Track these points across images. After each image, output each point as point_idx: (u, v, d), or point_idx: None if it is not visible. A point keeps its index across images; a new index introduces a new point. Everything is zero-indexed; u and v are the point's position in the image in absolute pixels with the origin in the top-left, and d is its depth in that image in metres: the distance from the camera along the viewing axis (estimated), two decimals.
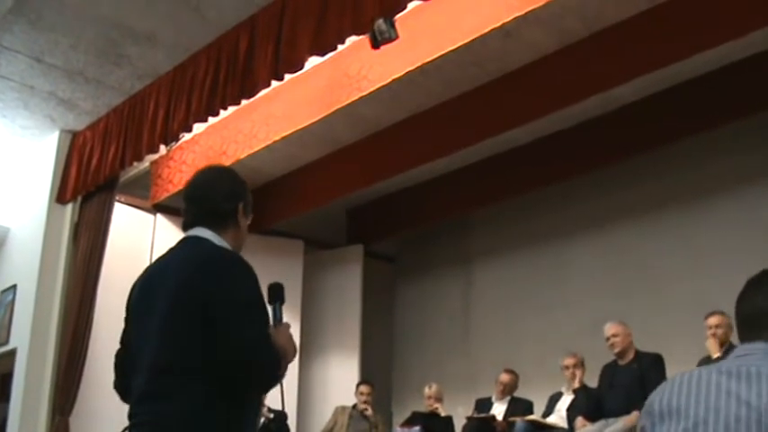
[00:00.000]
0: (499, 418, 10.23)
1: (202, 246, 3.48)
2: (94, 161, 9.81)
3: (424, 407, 11.28)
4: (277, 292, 3.63)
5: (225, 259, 3.40)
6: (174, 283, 3.35)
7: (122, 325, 3.62)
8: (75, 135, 10.40)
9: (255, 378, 3.23)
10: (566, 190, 11.49)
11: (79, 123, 10.21)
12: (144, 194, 11.33)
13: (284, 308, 3.61)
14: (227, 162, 10.08)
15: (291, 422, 11.29)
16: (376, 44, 7.01)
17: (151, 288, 3.47)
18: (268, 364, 3.23)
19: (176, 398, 3.21)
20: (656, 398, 2.41)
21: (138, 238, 11.20)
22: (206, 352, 3.18)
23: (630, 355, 9.11)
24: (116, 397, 3.36)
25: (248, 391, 3.30)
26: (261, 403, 3.48)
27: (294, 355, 3.46)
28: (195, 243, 3.51)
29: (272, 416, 10.77)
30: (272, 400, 7.94)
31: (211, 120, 8.88)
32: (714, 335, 8.37)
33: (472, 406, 10.82)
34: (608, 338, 9.19)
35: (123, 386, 3.58)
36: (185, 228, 3.62)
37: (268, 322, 3.34)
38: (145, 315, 3.43)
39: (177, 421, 3.20)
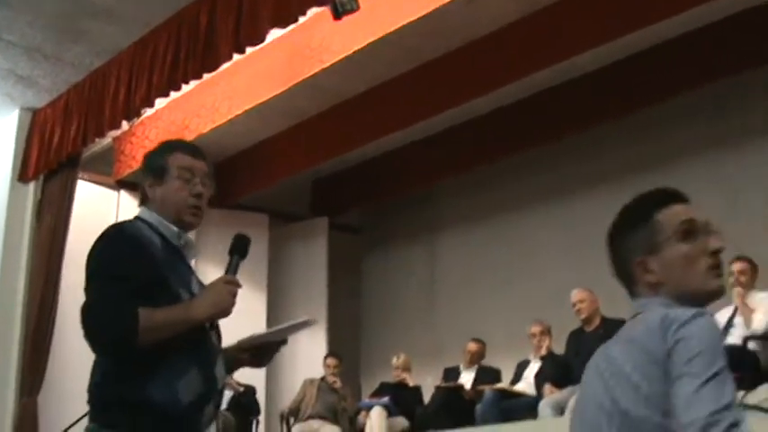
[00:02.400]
0: (467, 386, 10.27)
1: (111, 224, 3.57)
2: (56, 139, 9.74)
3: (392, 377, 11.30)
4: (237, 245, 3.53)
5: (103, 232, 3.42)
6: None
7: None
8: (35, 113, 10.31)
9: (92, 344, 3.18)
10: (530, 159, 11.50)
11: (39, 101, 10.12)
12: (107, 171, 11.26)
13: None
14: (189, 136, 10.01)
15: (260, 396, 11.32)
16: (337, 15, 7.00)
17: None
18: (95, 329, 3.17)
19: (93, 372, 3.30)
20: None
21: (102, 215, 11.11)
22: None
23: (597, 322, 9.17)
24: (84, 375, 3.35)
25: (101, 355, 3.25)
26: (199, 364, 3.25)
27: (218, 310, 3.32)
28: None
29: (241, 389, 10.79)
30: (241, 374, 7.97)
31: (173, 94, 8.83)
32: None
33: (440, 375, 10.86)
34: (574, 305, 9.26)
35: None
36: None
37: (109, 286, 3.23)
38: None
39: (90, 395, 3.27)
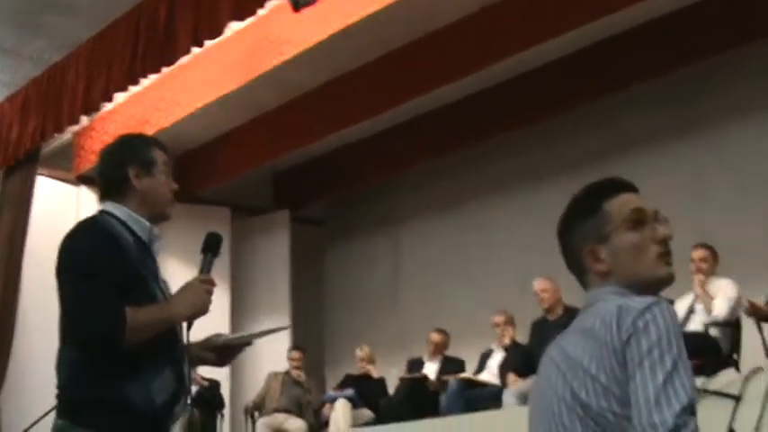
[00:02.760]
0: (432, 377, 10.29)
1: (84, 219, 3.51)
2: (14, 134, 9.67)
3: (356, 369, 11.31)
4: (210, 243, 3.56)
5: (75, 228, 3.42)
6: None
7: (49, 299, 3.60)
8: None
9: (77, 342, 3.19)
10: (491, 149, 11.52)
11: None
12: (67, 166, 11.19)
13: (213, 275, 3.53)
14: (149, 131, 9.97)
15: (224, 390, 11.29)
16: (297, 7, 7.00)
17: None
18: (84, 328, 3.15)
19: (61, 370, 3.26)
20: None
21: (63, 211, 11.06)
22: (62, 320, 3.24)
23: (560, 311, 9.21)
24: (47, 373, 3.35)
25: (84, 354, 3.20)
26: (172, 364, 3.29)
27: (197, 310, 3.35)
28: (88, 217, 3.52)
29: (206, 384, 10.76)
30: (205, 368, 7.94)
31: (133, 89, 8.79)
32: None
33: (404, 366, 10.87)
34: (537, 294, 9.29)
35: None
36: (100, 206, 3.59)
37: (93, 283, 3.19)
38: None
39: (60, 393, 3.26)
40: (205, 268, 3.49)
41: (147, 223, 3.45)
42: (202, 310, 3.36)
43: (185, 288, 3.38)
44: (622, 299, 2.25)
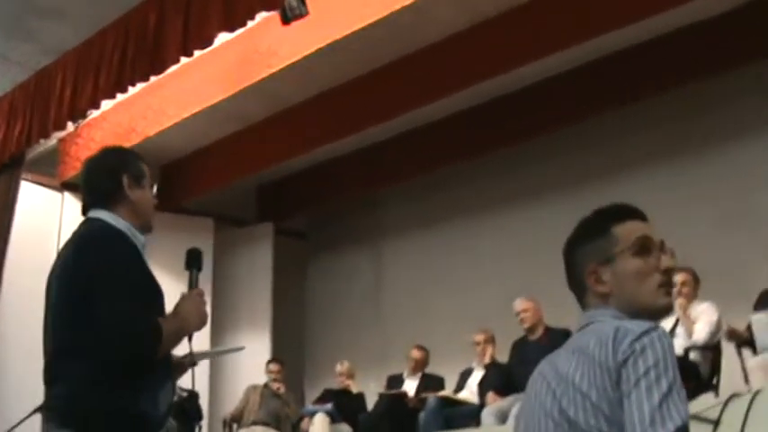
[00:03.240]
0: (411, 394, 10.28)
1: (86, 226, 3.52)
2: None
3: (336, 384, 11.30)
4: (193, 258, 3.67)
5: (94, 234, 3.43)
6: (60, 267, 3.41)
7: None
8: None
9: (117, 350, 3.18)
10: (475, 167, 11.55)
11: None
12: (51, 172, 11.17)
13: None
14: (135, 139, 9.99)
15: (203, 401, 11.21)
16: (286, 20, 7.00)
17: (50, 277, 3.49)
18: (126, 341, 3.18)
19: (67, 380, 3.24)
20: None
21: (46, 217, 11.04)
22: (84, 330, 3.21)
23: (540, 331, 9.23)
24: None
25: (121, 364, 3.21)
26: (170, 379, 3.42)
27: (201, 323, 3.48)
28: (82, 225, 3.54)
29: (184, 394, 10.72)
30: (183, 379, 7.91)
31: (120, 96, 8.76)
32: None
33: (384, 382, 10.86)
34: (518, 314, 9.31)
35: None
36: (83, 214, 3.62)
37: (133, 295, 3.24)
38: (47, 305, 3.45)
39: (69, 402, 3.23)
40: (194, 283, 3.59)
41: (142, 237, 3.54)
42: (205, 322, 3.50)
43: (188, 302, 3.48)
44: (620, 321, 2.29)
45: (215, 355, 4.17)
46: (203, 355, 4.08)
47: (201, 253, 3.73)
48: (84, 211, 3.61)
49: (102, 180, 3.58)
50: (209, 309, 3.58)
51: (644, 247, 2.44)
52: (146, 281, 3.40)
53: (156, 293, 3.44)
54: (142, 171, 3.62)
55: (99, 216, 3.51)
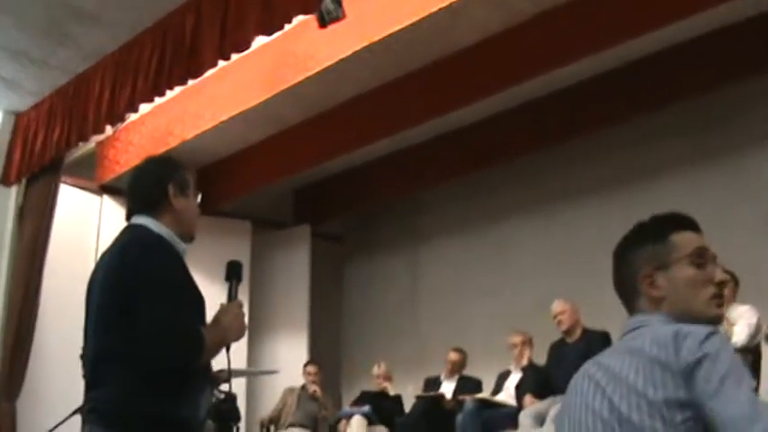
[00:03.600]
0: (448, 396, 10.28)
1: (130, 232, 3.58)
2: (39, 142, 9.70)
3: (373, 386, 11.31)
4: (233, 270, 3.74)
5: (138, 242, 3.47)
6: (103, 272, 3.47)
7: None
8: (18, 116, 10.27)
9: (158, 356, 3.24)
10: (512, 170, 11.53)
11: (23, 104, 10.09)
12: (90, 176, 11.24)
13: None
14: (173, 142, 10.04)
15: (240, 403, 11.25)
16: (323, 23, 6.99)
17: (91, 282, 3.57)
18: (173, 347, 3.25)
19: (109, 384, 3.31)
20: None
21: (85, 220, 11.12)
22: (127, 335, 3.27)
23: (578, 333, 9.19)
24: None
25: (163, 370, 3.28)
26: (210, 383, 3.50)
27: (240, 334, 3.57)
28: (126, 231, 3.60)
29: (222, 396, 10.75)
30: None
31: (158, 100, 8.80)
32: None
33: (421, 385, 10.85)
34: (555, 316, 9.28)
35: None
36: (126, 220, 3.69)
37: (178, 302, 3.32)
38: (88, 309, 3.53)
39: (111, 406, 3.29)
40: (233, 295, 3.67)
41: (183, 245, 3.62)
42: (244, 333, 3.60)
43: (227, 313, 3.56)
44: (675, 324, 2.33)
45: (250, 374, 4.43)
46: (239, 373, 4.22)
47: (242, 265, 3.80)
48: (128, 218, 3.67)
49: (148, 187, 3.66)
50: (246, 309, 3.64)
51: (701, 257, 2.49)
52: (188, 287, 3.47)
53: (199, 300, 3.51)
54: (187, 180, 3.70)
55: (141, 222, 3.57)
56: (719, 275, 2.49)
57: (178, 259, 3.51)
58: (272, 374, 4.72)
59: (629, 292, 2.57)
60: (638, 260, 2.54)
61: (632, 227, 2.65)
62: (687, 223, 2.57)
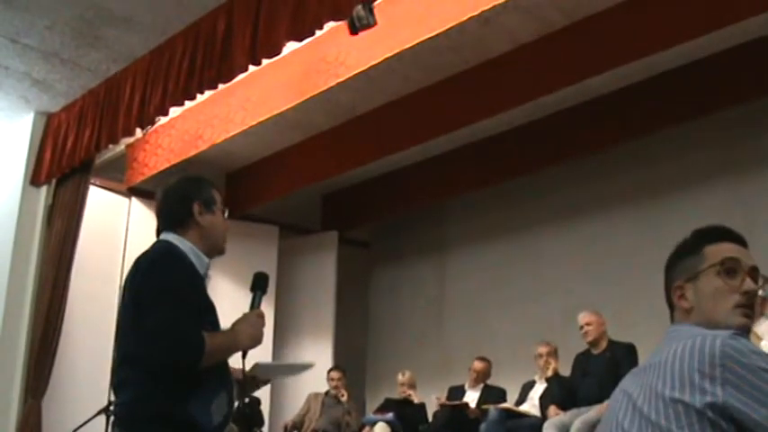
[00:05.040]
0: (472, 405, 10.25)
1: (152, 247, 3.73)
2: (69, 143, 9.75)
3: (397, 394, 11.29)
4: (258, 281, 3.87)
5: (155, 253, 3.65)
6: (127, 283, 3.64)
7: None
8: (49, 117, 10.33)
9: (158, 360, 3.36)
10: (540, 180, 11.52)
11: (54, 105, 10.14)
12: (119, 178, 11.28)
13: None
14: (202, 146, 10.07)
15: (264, 408, 11.29)
16: (354, 30, 7.01)
17: (122, 292, 3.76)
18: (170, 351, 3.35)
19: (127, 387, 3.48)
20: None
21: (113, 222, 11.16)
22: (135, 340, 3.45)
23: (603, 345, 9.16)
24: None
25: (169, 372, 3.38)
26: (226, 387, 3.55)
27: (253, 342, 3.66)
28: (151, 246, 3.75)
29: (246, 400, 10.77)
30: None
31: (188, 103, 8.83)
32: None
33: (445, 393, 10.83)
34: (581, 327, 9.24)
35: None
36: (156, 236, 3.84)
37: (180, 308, 3.42)
38: (117, 317, 3.79)
39: (127, 408, 3.47)
40: (256, 304, 3.81)
41: (206, 259, 3.74)
42: (259, 341, 3.68)
43: (245, 320, 3.68)
44: (700, 329, 2.38)
45: (287, 371, 4.58)
46: (275, 371, 4.31)
47: (268, 277, 3.92)
48: (158, 235, 3.82)
49: (173, 206, 3.81)
50: (271, 315, 3.72)
51: (729, 268, 2.49)
52: (197, 296, 3.58)
53: (207, 307, 3.64)
54: (213, 198, 3.84)
55: (167, 239, 3.73)
56: (749, 285, 2.48)
57: (191, 270, 3.63)
58: (305, 371, 4.78)
59: (669, 304, 2.59)
60: (674, 274, 2.57)
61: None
62: (725, 235, 2.58)
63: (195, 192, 3.82)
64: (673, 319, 2.58)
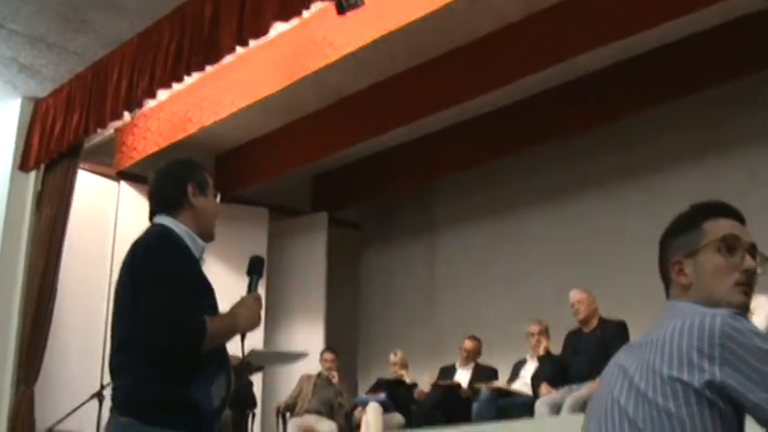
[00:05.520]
0: (464, 384, 10.28)
1: (147, 230, 3.72)
2: (57, 128, 9.73)
3: (389, 374, 11.30)
4: (254, 265, 3.89)
5: (151, 237, 3.64)
6: (123, 268, 3.62)
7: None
8: (37, 102, 10.30)
9: (157, 344, 3.36)
10: (530, 158, 11.51)
11: (41, 90, 10.11)
12: (108, 162, 11.25)
13: None
14: (191, 129, 10.05)
15: (257, 390, 11.31)
16: (342, 10, 6.99)
17: (119, 277, 3.69)
18: (172, 334, 3.35)
19: (126, 371, 3.47)
20: None
21: (102, 206, 11.14)
22: (133, 325, 3.44)
23: (594, 323, 9.18)
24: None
25: (168, 356, 3.38)
26: (224, 371, 3.57)
27: (251, 324, 3.66)
28: (146, 230, 3.74)
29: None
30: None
31: (176, 86, 8.82)
32: None
33: (437, 373, 10.85)
34: (572, 305, 9.26)
35: None
36: (149, 220, 3.82)
37: (178, 291, 3.43)
38: (114, 303, 3.68)
39: (126, 393, 3.45)
40: (253, 287, 3.81)
41: (201, 242, 3.73)
42: (257, 324, 3.69)
43: (243, 303, 3.67)
44: (700, 307, 2.36)
45: (281, 359, 4.68)
46: (270, 358, 4.35)
47: (264, 261, 3.96)
48: (151, 218, 3.80)
49: (167, 188, 3.79)
50: (262, 296, 3.72)
51: (729, 245, 2.47)
52: (194, 280, 3.58)
53: (206, 291, 3.63)
54: (206, 180, 3.83)
55: (159, 221, 3.72)
56: (749, 263, 2.46)
57: (187, 253, 3.63)
58: (299, 360, 4.76)
59: (665, 279, 2.56)
60: (671, 248, 2.54)
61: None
62: (724, 211, 2.56)
63: (189, 174, 3.80)
64: (668, 295, 2.56)
